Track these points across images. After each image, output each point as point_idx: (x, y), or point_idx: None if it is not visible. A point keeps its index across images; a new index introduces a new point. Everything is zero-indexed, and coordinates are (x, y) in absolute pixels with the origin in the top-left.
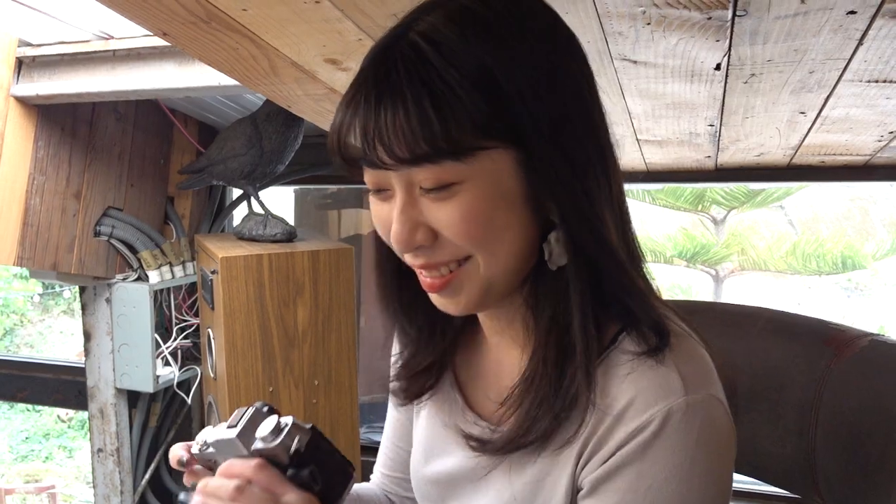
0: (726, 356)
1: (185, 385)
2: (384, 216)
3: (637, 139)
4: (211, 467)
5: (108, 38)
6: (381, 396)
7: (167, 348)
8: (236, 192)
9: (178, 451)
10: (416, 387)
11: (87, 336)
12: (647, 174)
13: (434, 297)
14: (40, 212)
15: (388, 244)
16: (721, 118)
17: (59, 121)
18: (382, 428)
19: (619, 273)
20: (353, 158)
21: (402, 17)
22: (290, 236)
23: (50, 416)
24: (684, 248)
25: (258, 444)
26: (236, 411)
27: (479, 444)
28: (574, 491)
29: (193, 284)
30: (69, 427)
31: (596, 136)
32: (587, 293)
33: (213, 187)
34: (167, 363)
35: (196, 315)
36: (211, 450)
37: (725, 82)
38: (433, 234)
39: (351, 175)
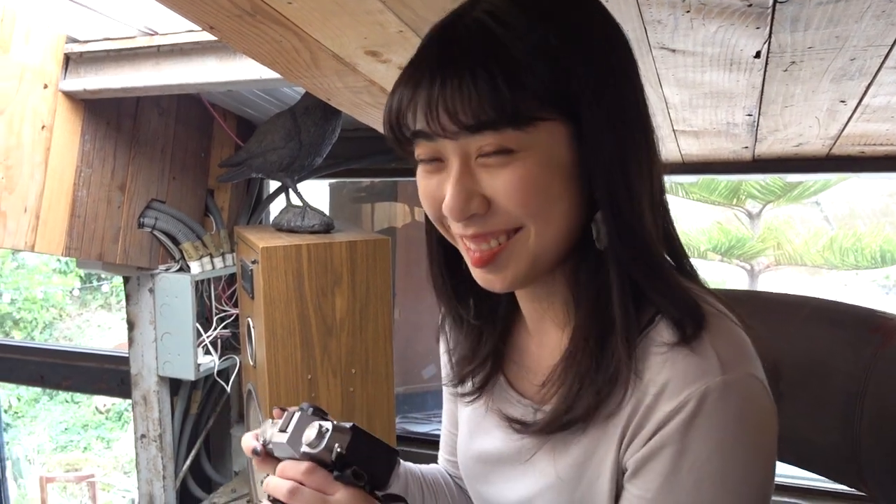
0: (770, 343)
1: (224, 374)
2: (433, 190)
3: (673, 130)
4: (278, 458)
5: (152, 34)
6: (415, 387)
7: (208, 337)
8: (273, 186)
9: (250, 442)
10: (478, 379)
11: (131, 325)
12: (683, 165)
13: (479, 274)
14: (87, 203)
15: (436, 227)
16: (760, 107)
17: (105, 115)
18: (417, 418)
19: (651, 258)
20: (408, 136)
21: (462, 3)
22: (327, 227)
23: (88, 407)
24: (719, 242)
25: (305, 449)
26: (286, 413)
27: (522, 427)
28: (619, 472)
29: (232, 276)
30: (107, 418)
31: (643, 124)
32: (626, 273)
33: (252, 181)
34: (208, 352)
35: (235, 305)
36: (271, 447)
37: (765, 70)
38: (487, 202)
39: (402, 154)
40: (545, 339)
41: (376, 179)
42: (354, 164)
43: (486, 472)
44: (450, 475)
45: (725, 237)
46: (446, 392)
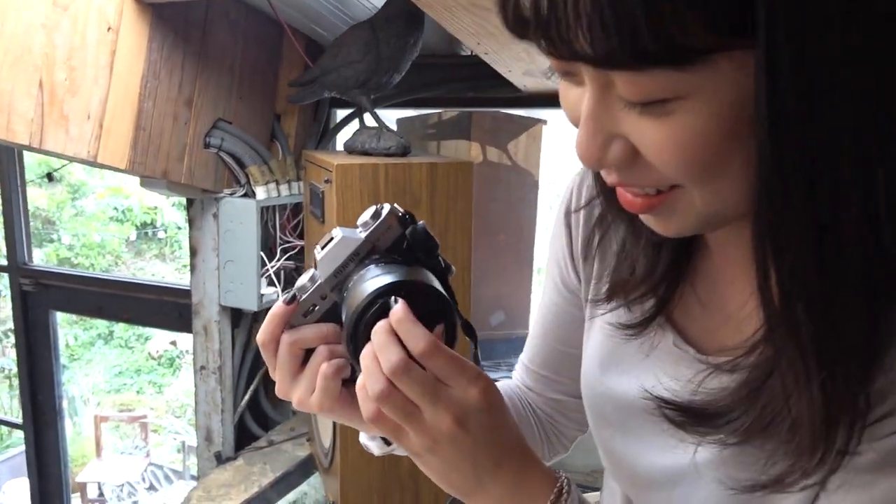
0: None
1: None
2: (573, 103)
3: None
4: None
5: None
6: (482, 335)
7: (272, 268)
8: (341, 115)
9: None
10: (649, 307)
11: (193, 251)
12: None
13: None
14: (153, 116)
15: None
16: None
17: (173, 23)
18: (485, 366)
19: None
20: (525, 30)
21: None
22: (404, 150)
23: (141, 352)
24: None
25: (361, 232)
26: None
27: (677, 413)
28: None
29: (297, 206)
30: (159, 364)
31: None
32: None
33: (319, 106)
34: (271, 283)
35: (300, 237)
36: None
37: None
38: (631, 150)
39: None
40: (733, 291)
41: (447, 114)
42: (426, 93)
43: (620, 419)
44: (528, 386)
45: None
46: (555, 296)
